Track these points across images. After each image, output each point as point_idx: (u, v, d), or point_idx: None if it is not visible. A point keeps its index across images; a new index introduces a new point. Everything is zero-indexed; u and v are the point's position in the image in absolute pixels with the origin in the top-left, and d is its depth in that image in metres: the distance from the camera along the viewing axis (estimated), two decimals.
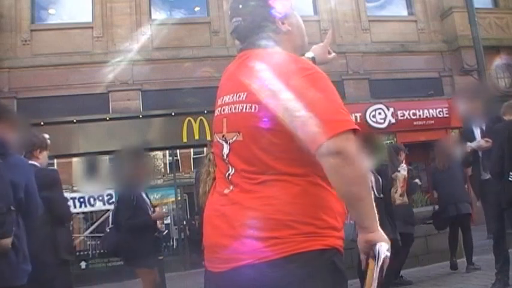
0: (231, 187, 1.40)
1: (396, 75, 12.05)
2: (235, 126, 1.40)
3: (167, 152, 11.20)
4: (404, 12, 13.12)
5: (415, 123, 11.69)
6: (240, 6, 1.51)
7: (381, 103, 11.61)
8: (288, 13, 1.52)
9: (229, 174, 1.41)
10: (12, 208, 2.21)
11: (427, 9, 12.89)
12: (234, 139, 1.40)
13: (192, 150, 11.31)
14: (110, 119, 10.33)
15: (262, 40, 1.47)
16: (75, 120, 10.06)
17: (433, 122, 11.82)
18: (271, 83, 1.32)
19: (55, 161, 10.21)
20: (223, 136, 1.44)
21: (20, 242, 2.29)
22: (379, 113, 11.59)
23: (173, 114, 10.42)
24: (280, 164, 1.32)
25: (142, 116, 10.53)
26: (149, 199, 4.61)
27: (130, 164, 4.38)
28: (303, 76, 1.32)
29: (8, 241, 2.15)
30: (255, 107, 1.34)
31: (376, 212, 1.33)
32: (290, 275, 1.24)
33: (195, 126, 10.36)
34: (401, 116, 11.71)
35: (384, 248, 1.29)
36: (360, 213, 1.32)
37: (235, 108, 1.40)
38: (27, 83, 10.23)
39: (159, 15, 11.71)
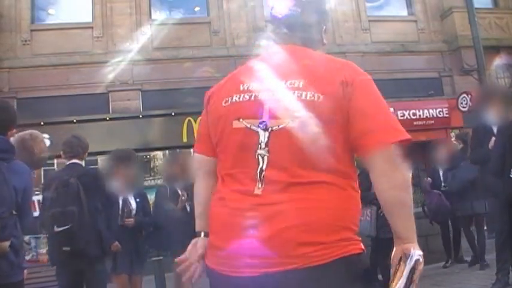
0: (261, 184, 1.27)
1: (396, 75, 12.04)
2: (287, 113, 1.28)
3: (167, 152, 11.20)
4: (404, 12, 13.11)
5: (415, 123, 11.68)
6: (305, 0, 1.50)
7: None
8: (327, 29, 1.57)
9: (261, 169, 1.28)
10: (14, 212, 2.29)
11: (427, 9, 12.88)
12: (281, 126, 1.28)
13: (192, 150, 11.28)
14: (110, 119, 10.32)
15: (312, 41, 1.48)
16: (75, 120, 10.05)
17: (433, 122, 11.82)
18: (341, 73, 1.34)
19: (55, 161, 10.21)
20: (262, 122, 1.30)
21: (18, 243, 2.37)
22: None
23: (173, 114, 10.41)
24: (335, 163, 1.28)
25: (142, 116, 10.52)
26: (139, 202, 4.56)
27: (117, 167, 4.39)
28: (368, 78, 1.38)
29: (6, 244, 2.22)
30: (319, 96, 1.28)
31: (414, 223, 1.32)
32: (334, 279, 1.23)
33: (195, 126, 10.34)
34: (401, 116, 11.69)
35: (417, 253, 1.29)
36: (402, 221, 1.31)
37: (286, 95, 1.31)
38: (27, 83, 10.23)
39: (159, 15, 11.70)
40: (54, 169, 10.64)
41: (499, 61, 11.99)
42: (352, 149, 1.32)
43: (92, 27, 11.06)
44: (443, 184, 6.25)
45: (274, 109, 1.31)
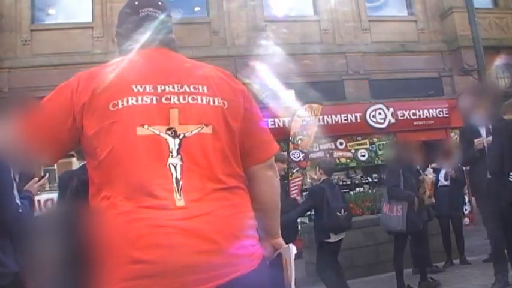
0: (180, 195, 1.15)
1: (396, 75, 12.04)
2: (199, 118, 1.23)
3: None
4: (404, 12, 13.12)
5: (415, 123, 11.69)
6: (160, 3, 1.48)
7: (381, 103, 11.62)
8: None
9: (176, 179, 1.16)
10: None
11: (427, 9, 12.88)
12: (194, 132, 1.21)
13: None
14: None
15: (172, 41, 1.46)
16: None
17: (433, 122, 11.83)
18: (230, 80, 1.40)
19: None
20: (170, 129, 1.20)
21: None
22: (379, 113, 11.59)
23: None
24: (238, 167, 1.31)
25: None
26: None
27: None
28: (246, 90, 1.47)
29: None
30: (224, 102, 1.28)
31: None
32: (266, 279, 1.27)
33: None
34: (401, 116, 11.70)
35: (294, 247, 1.45)
36: (275, 221, 1.49)
37: (196, 99, 1.24)
38: (27, 83, 10.22)
39: None
40: (54, 169, 10.66)
41: (499, 61, 11.99)
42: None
43: (92, 27, 11.07)
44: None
45: (183, 114, 1.22)
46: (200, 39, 11.23)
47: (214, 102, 1.27)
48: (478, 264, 5.87)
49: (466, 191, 9.06)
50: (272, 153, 1.45)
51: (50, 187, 10.01)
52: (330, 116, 10.99)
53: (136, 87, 1.23)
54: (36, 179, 2.93)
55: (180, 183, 1.16)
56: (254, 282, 1.19)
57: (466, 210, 9.38)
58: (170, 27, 1.47)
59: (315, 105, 9.43)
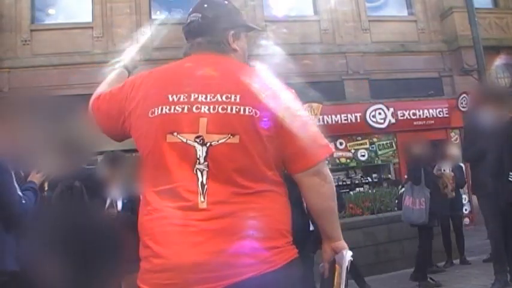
0: (204, 198, 1.26)
1: (396, 75, 12.04)
2: (226, 128, 1.29)
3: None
4: (404, 12, 13.11)
5: (415, 123, 11.69)
6: (206, 5, 1.51)
7: (381, 103, 11.61)
8: (242, 37, 1.56)
9: (202, 183, 1.27)
10: None
11: (427, 9, 12.87)
12: (220, 141, 1.28)
13: None
14: None
15: (213, 44, 1.47)
16: None
17: (433, 122, 11.82)
18: (271, 86, 1.38)
19: None
20: (198, 137, 1.29)
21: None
22: (379, 113, 11.59)
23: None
24: (271, 173, 1.34)
25: None
26: (126, 203, 4.52)
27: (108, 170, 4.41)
28: (291, 92, 1.45)
29: None
30: (256, 111, 1.31)
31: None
32: (290, 281, 1.30)
33: None
34: (401, 116, 11.70)
35: (349, 254, 1.43)
36: (332, 225, 1.44)
37: (225, 109, 1.30)
38: (27, 83, 10.22)
39: (159, 15, 11.70)
40: None
41: (499, 61, 11.99)
42: (281, 161, 1.39)
43: (92, 27, 11.06)
44: None
45: (211, 123, 1.30)
46: None
47: (244, 111, 1.30)
48: (478, 264, 5.87)
49: (466, 191, 9.07)
50: (316, 161, 1.36)
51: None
52: (330, 116, 10.98)
53: (172, 96, 1.34)
54: (36, 170, 2.96)
55: (205, 187, 1.27)
56: (263, 286, 1.24)
57: (465, 210, 9.38)
58: (216, 29, 1.48)
59: (314, 105, 9.43)
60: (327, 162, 1.42)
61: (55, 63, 10.49)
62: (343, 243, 1.45)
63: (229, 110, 1.30)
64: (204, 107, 1.31)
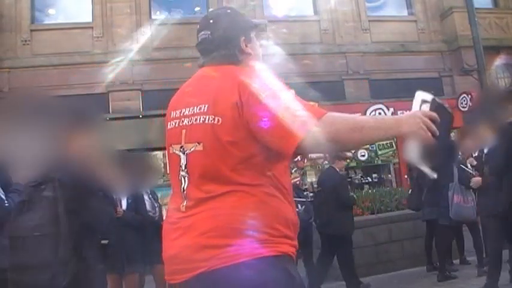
0: (185, 201, 1.42)
1: (396, 75, 12.04)
2: (195, 137, 1.42)
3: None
4: (404, 12, 13.12)
5: None
6: (211, 21, 1.59)
7: (381, 103, 11.62)
8: (252, 38, 1.61)
9: (183, 188, 1.43)
10: None
11: (427, 9, 12.88)
12: (192, 149, 1.42)
13: None
14: (110, 119, 10.32)
15: (227, 56, 1.53)
16: None
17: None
18: (249, 89, 1.38)
19: None
20: (181, 147, 1.45)
21: None
22: (379, 113, 11.59)
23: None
24: (238, 175, 1.38)
25: (142, 116, 10.52)
26: (130, 203, 4.64)
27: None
28: (254, 87, 1.40)
29: None
30: (218, 119, 1.38)
31: (384, 125, 1.40)
32: (246, 280, 1.30)
33: None
34: None
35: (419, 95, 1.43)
36: (377, 133, 1.38)
37: (196, 120, 1.43)
38: (27, 83, 10.22)
39: (159, 15, 11.70)
40: None
41: (499, 61, 11.99)
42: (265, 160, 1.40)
43: (92, 27, 11.06)
44: None
45: (188, 134, 1.45)
46: None
47: (208, 120, 1.40)
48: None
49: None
50: (295, 144, 1.32)
51: None
52: None
53: (174, 112, 1.53)
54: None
55: (185, 192, 1.44)
56: (221, 279, 1.30)
57: None
58: (228, 41, 1.54)
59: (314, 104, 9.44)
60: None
61: (55, 63, 10.49)
62: (404, 121, 1.38)
63: (199, 120, 1.43)
64: (186, 120, 1.47)
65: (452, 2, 12.33)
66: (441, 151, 1.45)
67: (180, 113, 1.49)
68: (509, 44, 12.33)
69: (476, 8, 9.85)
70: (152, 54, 10.89)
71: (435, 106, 1.43)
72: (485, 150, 4.64)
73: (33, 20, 10.98)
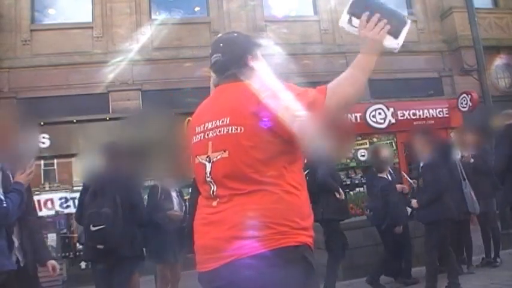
0: (216, 200, 1.64)
1: (396, 75, 12.04)
2: (221, 146, 1.64)
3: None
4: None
5: (415, 123, 11.68)
6: (221, 45, 1.85)
7: (381, 103, 11.61)
8: (257, 55, 1.87)
9: (213, 191, 1.65)
10: None
11: (427, 9, 12.88)
12: (218, 157, 1.64)
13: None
14: (110, 119, 10.32)
15: (237, 74, 1.75)
16: (75, 120, 10.05)
17: (433, 122, 11.82)
18: (258, 99, 1.63)
19: (55, 161, 10.21)
20: (207, 157, 1.67)
21: None
22: (379, 113, 11.59)
23: (173, 114, 10.40)
24: (260, 176, 1.59)
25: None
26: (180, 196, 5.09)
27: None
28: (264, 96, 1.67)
29: None
30: (241, 128, 1.62)
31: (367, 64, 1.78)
32: (270, 267, 1.50)
33: None
34: (401, 116, 11.70)
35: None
36: (364, 73, 1.81)
37: (220, 131, 1.66)
38: (27, 83, 10.23)
39: (159, 15, 11.69)
40: (54, 169, 10.61)
41: (499, 61, 11.99)
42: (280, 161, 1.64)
43: (92, 27, 11.06)
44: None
45: (214, 144, 1.67)
46: (200, 39, 11.23)
47: (232, 130, 1.63)
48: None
49: None
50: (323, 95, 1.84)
51: (49, 187, 10.00)
52: None
53: (198, 127, 1.75)
54: (21, 170, 2.95)
55: (215, 193, 1.66)
56: (249, 265, 1.50)
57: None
58: (238, 60, 1.79)
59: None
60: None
61: (55, 63, 10.49)
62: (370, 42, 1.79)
63: (223, 132, 1.65)
64: (210, 132, 1.69)
65: (452, 2, 12.33)
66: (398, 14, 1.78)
67: (204, 127, 1.71)
68: (509, 44, 12.34)
69: (476, 8, 9.85)
70: (152, 54, 10.90)
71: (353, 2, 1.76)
72: (421, 164, 4.99)
73: (33, 20, 10.97)
